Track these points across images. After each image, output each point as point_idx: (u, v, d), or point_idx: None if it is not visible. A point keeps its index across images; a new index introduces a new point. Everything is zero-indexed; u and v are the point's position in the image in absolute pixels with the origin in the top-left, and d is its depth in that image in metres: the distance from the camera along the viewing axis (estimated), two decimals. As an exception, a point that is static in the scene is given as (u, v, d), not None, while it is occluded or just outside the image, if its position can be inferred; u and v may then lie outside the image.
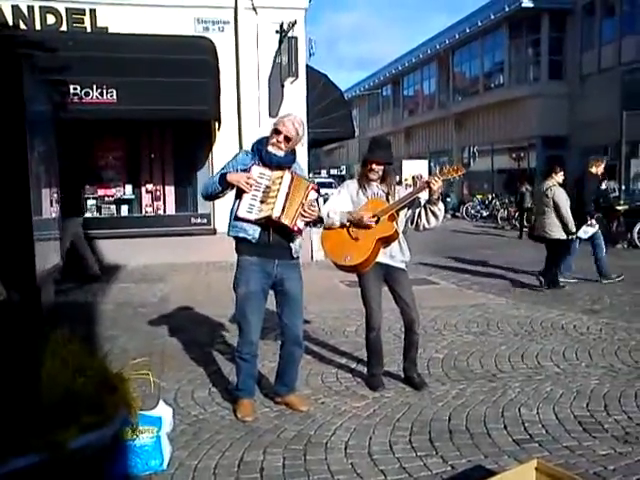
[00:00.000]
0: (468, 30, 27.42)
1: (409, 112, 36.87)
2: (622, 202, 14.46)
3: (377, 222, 4.19)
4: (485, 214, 22.22)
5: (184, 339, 5.82)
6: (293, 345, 3.97)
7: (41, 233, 5.75)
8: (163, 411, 3.31)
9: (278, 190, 3.70)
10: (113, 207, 11.10)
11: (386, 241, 4.25)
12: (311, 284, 8.66)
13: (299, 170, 4.00)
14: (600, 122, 20.00)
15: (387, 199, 4.32)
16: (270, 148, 3.78)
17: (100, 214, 11.03)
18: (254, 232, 3.76)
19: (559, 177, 8.44)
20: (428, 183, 4.18)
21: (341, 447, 3.42)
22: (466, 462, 3.21)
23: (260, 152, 3.82)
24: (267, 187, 3.72)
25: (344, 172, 49.16)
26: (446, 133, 31.49)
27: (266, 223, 3.73)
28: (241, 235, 3.78)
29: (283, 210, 3.69)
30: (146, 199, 11.27)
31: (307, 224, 3.90)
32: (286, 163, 3.84)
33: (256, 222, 3.73)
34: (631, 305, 7.33)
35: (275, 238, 3.79)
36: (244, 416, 3.83)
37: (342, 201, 4.37)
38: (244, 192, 3.71)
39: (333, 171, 50.13)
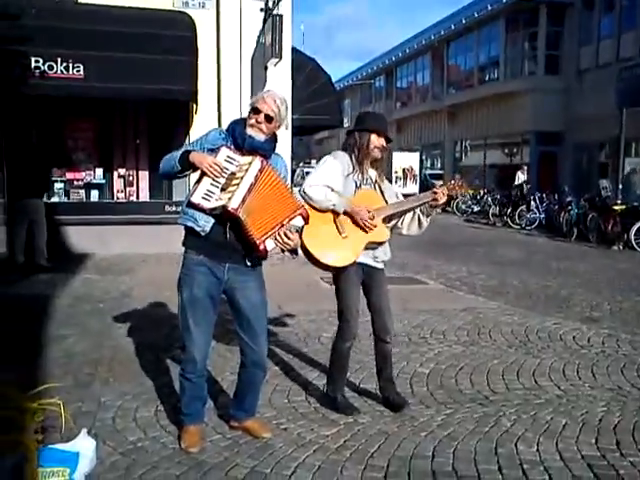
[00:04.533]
0: (464, 21, 26.79)
1: (401, 104, 36.22)
2: (619, 202, 13.92)
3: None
4: (476, 209, 21.64)
5: (139, 342, 5.19)
6: (253, 367, 3.32)
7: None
8: (82, 445, 2.68)
9: (242, 178, 3.04)
10: (82, 192, 10.36)
11: (374, 245, 3.65)
12: (288, 281, 8.16)
13: (280, 164, 3.28)
14: (596, 118, 19.47)
15: (374, 188, 3.71)
16: (249, 130, 3.13)
17: (68, 199, 10.31)
18: (205, 224, 3.08)
19: None
20: (436, 194, 3.59)
21: (301, 493, 2.81)
22: (453, 520, 2.61)
23: (234, 132, 3.16)
24: (232, 174, 3.06)
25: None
26: (438, 126, 30.86)
27: (222, 216, 3.07)
28: (189, 224, 3.11)
29: (243, 202, 3.01)
30: (118, 184, 10.56)
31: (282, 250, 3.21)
32: (262, 149, 3.14)
33: (211, 212, 3.07)
34: (633, 313, 6.79)
35: (231, 237, 3.12)
36: (189, 446, 3.20)
37: (336, 178, 3.60)
38: (203, 176, 3.08)
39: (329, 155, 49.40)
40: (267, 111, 3.14)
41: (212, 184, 3.07)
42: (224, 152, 3.09)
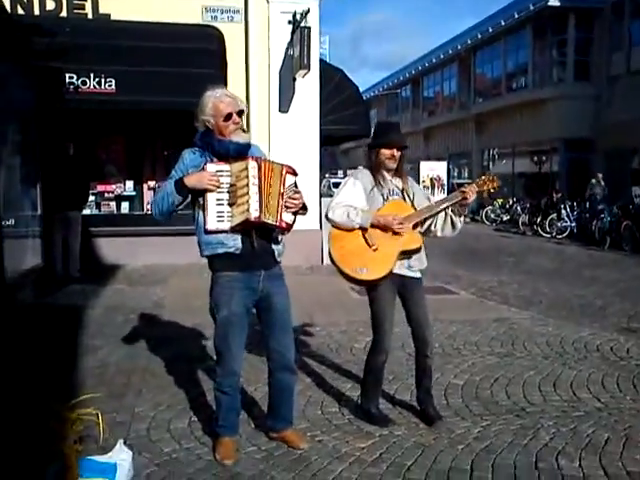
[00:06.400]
0: (491, 30, 26.61)
1: (428, 113, 36.10)
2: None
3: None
4: (505, 218, 21.42)
5: (172, 352, 5.22)
6: (285, 372, 3.32)
7: (15, 231, 5.18)
8: (120, 456, 2.68)
9: (247, 185, 2.98)
10: (113, 204, 10.53)
11: (408, 254, 3.61)
12: (319, 291, 8.15)
13: (258, 152, 3.25)
14: (628, 125, 19.15)
15: (403, 197, 3.69)
16: (234, 137, 3.08)
17: (99, 211, 10.48)
18: (235, 242, 3.06)
19: None
20: (464, 193, 3.55)
21: (338, 506, 2.77)
22: (495, 536, 2.55)
23: (211, 145, 3.08)
24: (231, 185, 3.01)
25: (361, 173, 48.41)
26: (466, 135, 30.66)
27: (245, 228, 3.05)
28: (221, 251, 3.07)
29: (261, 207, 2.99)
30: (148, 196, 10.66)
31: (294, 214, 3.21)
32: (247, 148, 3.13)
33: (232, 230, 3.04)
34: (672, 324, 6.61)
35: (260, 243, 3.12)
36: (223, 458, 3.18)
37: (358, 196, 3.64)
38: (205, 199, 3.00)
39: (350, 171, 49.41)
40: (238, 107, 3.09)
41: (218, 204, 3.01)
42: (212, 168, 3.02)
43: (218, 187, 3.00)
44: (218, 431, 3.31)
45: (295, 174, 3.19)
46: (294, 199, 3.12)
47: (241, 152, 3.10)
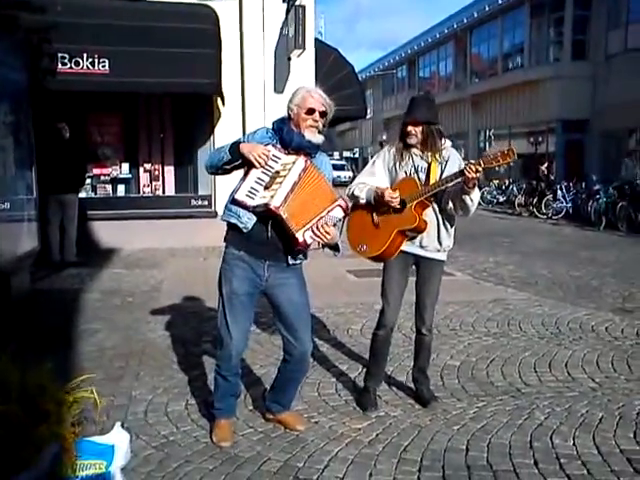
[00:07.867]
0: (487, 8, 26.41)
1: (424, 94, 35.85)
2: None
3: (403, 207, 3.47)
4: (502, 199, 21.43)
5: (170, 336, 5.22)
6: (295, 364, 3.29)
7: (10, 214, 5.14)
8: (117, 438, 2.69)
9: (285, 177, 3.02)
10: (109, 187, 10.46)
11: (409, 232, 3.55)
12: (316, 274, 8.06)
13: (324, 163, 3.23)
14: (625, 105, 19.07)
15: (428, 172, 3.55)
16: (307, 134, 3.08)
17: (95, 194, 10.42)
18: (248, 221, 3.06)
19: None
20: (462, 172, 3.35)
21: (334, 486, 2.79)
22: (490, 515, 2.58)
23: (281, 131, 3.12)
24: (276, 172, 3.05)
25: (357, 155, 48.32)
26: (462, 116, 30.54)
27: (265, 214, 3.05)
28: (233, 221, 3.10)
29: (285, 201, 2.99)
30: (144, 179, 10.62)
31: (322, 246, 3.14)
32: (308, 148, 3.12)
33: (254, 210, 3.05)
34: (666, 304, 6.64)
35: (272, 236, 3.09)
36: (220, 440, 3.20)
37: (375, 174, 3.64)
38: (249, 172, 3.06)
39: (346, 153, 49.26)
40: (321, 107, 3.10)
41: (256, 182, 3.06)
42: (271, 150, 3.08)
43: (263, 166, 3.04)
44: (215, 413, 3.33)
45: (346, 214, 3.19)
46: (326, 228, 3.01)
47: (301, 148, 3.10)
